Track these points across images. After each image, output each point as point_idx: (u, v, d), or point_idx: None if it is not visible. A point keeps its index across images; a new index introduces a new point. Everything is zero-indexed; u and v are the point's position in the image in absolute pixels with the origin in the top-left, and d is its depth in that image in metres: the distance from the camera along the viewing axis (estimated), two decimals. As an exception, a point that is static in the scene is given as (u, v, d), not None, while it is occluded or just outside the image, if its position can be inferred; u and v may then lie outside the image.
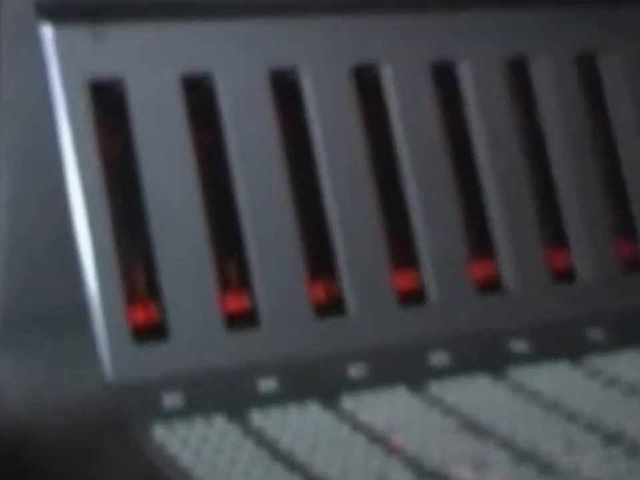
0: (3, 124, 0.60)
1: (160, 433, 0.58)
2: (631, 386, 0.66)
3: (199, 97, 0.64)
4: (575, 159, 0.73)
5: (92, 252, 0.60)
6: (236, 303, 0.64)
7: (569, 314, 0.71)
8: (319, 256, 0.67)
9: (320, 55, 0.67)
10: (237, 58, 0.65)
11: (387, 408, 0.63)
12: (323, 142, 0.66)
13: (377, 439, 0.58)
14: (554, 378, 0.68)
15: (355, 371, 0.65)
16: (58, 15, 0.61)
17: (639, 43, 0.76)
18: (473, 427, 0.60)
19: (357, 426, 0.60)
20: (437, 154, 0.68)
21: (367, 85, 0.68)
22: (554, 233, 0.73)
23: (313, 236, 0.66)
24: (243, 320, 0.64)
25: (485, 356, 0.68)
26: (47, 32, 0.61)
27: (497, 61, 0.72)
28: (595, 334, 0.71)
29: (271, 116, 0.65)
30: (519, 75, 0.73)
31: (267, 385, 0.62)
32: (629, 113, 0.76)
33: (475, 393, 0.65)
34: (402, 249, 0.68)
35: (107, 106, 0.62)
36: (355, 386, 0.64)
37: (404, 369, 0.65)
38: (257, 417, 0.60)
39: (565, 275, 0.73)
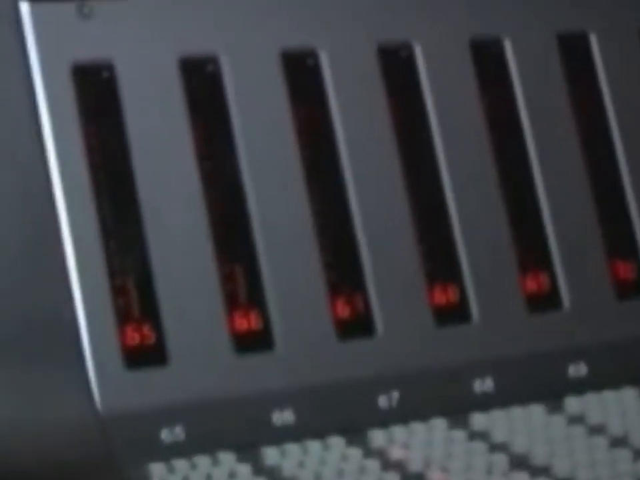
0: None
1: (158, 472, 0.54)
2: None
3: (201, 83, 0.61)
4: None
5: (78, 264, 0.57)
6: (246, 323, 0.61)
7: (634, 335, 0.68)
8: (342, 271, 0.63)
9: (341, 36, 0.64)
10: (246, 38, 0.62)
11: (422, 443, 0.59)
12: (346, 144, 0.62)
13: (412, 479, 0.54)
14: (619, 408, 0.64)
15: (385, 400, 0.61)
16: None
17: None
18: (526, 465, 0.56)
19: (388, 464, 0.56)
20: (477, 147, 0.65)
21: (399, 66, 0.65)
22: (620, 245, 0.70)
23: (334, 244, 0.63)
24: (254, 342, 0.60)
25: (539, 383, 0.64)
26: (25, 9, 0.58)
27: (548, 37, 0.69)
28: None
29: (285, 104, 0.62)
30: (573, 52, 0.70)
31: (283, 416, 0.58)
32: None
33: (526, 426, 0.61)
34: (441, 264, 0.65)
35: (93, 92, 0.59)
36: (386, 417, 0.60)
37: (442, 397, 0.62)
38: (271, 454, 0.57)
39: (630, 292, 0.69)
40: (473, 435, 0.60)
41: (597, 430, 0.61)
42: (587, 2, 0.71)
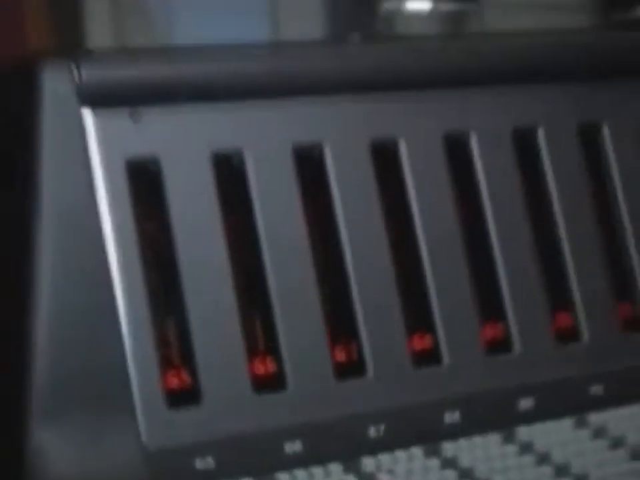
0: (45, 204, 0.61)
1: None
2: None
3: (229, 173, 0.66)
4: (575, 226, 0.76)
5: (129, 322, 0.62)
6: (263, 368, 0.66)
7: (572, 373, 0.74)
8: (340, 322, 0.69)
9: (341, 131, 0.69)
10: (264, 135, 0.67)
11: (404, 469, 0.65)
12: (344, 217, 0.68)
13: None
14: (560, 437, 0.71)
15: (374, 431, 0.67)
16: (98, 101, 0.62)
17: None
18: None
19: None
20: (450, 226, 0.71)
21: (386, 158, 0.70)
22: (556, 296, 0.75)
23: (335, 303, 0.68)
24: (270, 384, 0.66)
25: (495, 415, 0.70)
26: (88, 117, 0.62)
27: (506, 132, 0.74)
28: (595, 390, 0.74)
29: (295, 190, 0.67)
30: (526, 146, 0.75)
31: (293, 446, 0.64)
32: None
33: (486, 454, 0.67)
34: (417, 315, 0.70)
35: (144, 183, 0.64)
36: (374, 447, 0.66)
37: (420, 429, 0.68)
38: (284, 478, 0.62)
39: (569, 336, 0.75)
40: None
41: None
42: (470, 103, 0.74)
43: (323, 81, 0.68)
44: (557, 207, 0.75)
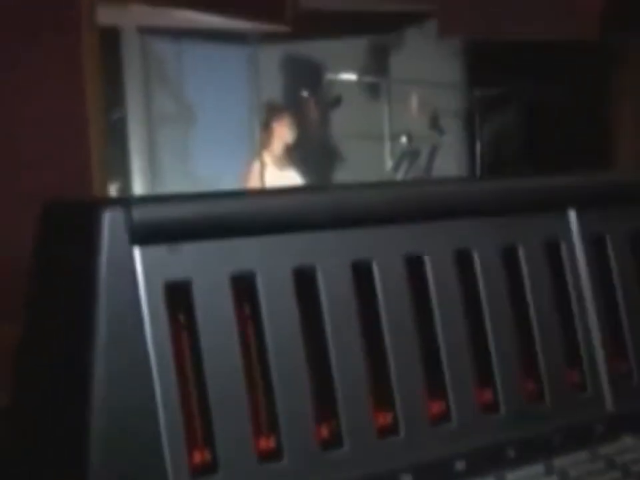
0: (100, 323, 0.73)
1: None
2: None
3: (245, 292, 0.79)
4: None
5: (166, 414, 0.74)
6: (265, 444, 0.79)
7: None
8: (323, 403, 0.82)
9: (330, 257, 0.83)
10: (271, 260, 0.80)
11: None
12: (331, 328, 0.82)
13: None
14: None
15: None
16: (144, 238, 0.74)
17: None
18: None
19: None
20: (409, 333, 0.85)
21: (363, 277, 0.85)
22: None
23: (320, 390, 0.82)
24: (271, 457, 0.79)
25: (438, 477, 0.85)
26: (136, 250, 0.74)
27: (449, 254, 0.89)
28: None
29: (294, 305, 0.81)
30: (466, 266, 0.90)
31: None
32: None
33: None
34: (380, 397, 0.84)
35: (179, 300, 0.76)
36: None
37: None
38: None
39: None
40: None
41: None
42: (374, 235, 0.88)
43: (311, 218, 0.82)
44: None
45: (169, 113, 5.14)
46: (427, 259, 0.88)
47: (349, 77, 4.82)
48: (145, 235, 0.75)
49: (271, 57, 5.19)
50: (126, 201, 0.76)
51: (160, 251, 0.76)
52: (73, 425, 0.75)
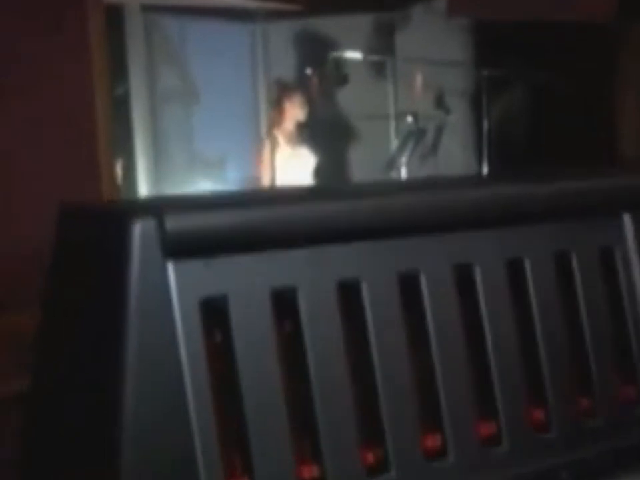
0: (131, 344, 0.66)
1: None
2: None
3: (285, 307, 0.72)
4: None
5: (202, 441, 0.68)
6: (309, 472, 0.72)
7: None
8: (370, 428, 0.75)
9: (375, 268, 0.75)
10: (313, 274, 0.73)
11: None
12: (375, 342, 0.74)
13: None
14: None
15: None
16: (178, 252, 0.67)
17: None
18: None
19: None
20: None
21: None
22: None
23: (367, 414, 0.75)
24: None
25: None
26: (170, 265, 0.67)
27: (500, 264, 0.82)
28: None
29: (338, 321, 0.73)
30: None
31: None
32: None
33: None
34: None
35: (214, 317, 0.69)
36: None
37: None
38: None
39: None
40: None
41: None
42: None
43: (354, 228, 0.75)
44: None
45: (173, 90, 5.04)
46: (477, 269, 0.81)
47: (355, 55, 4.73)
48: (180, 248, 0.68)
49: (276, 35, 5.09)
50: (157, 208, 0.69)
51: (195, 265, 0.69)
52: (103, 452, 0.68)
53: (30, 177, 2.10)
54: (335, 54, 4.64)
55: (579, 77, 4.29)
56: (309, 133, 4.46)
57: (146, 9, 4.67)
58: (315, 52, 4.79)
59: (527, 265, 0.83)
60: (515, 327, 0.83)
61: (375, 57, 4.86)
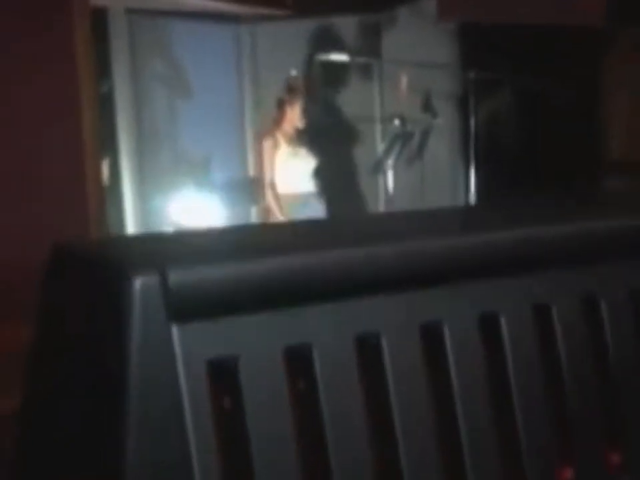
0: (132, 412, 0.59)
1: None
2: None
3: (299, 364, 0.65)
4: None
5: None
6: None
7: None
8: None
9: (395, 321, 0.69)
10: (330, 329, 0.66)
11: None
12: (395, 396, 0.68)
13: None
14: None
15: None
16: (184, 312, 0.60)
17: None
18: None
19: None
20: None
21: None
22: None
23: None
24: None
25: None
26: (174, 326, 0.60)
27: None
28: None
29: (355, 376, 0.67)
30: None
31: None
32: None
33: None
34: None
35: (223, 379, 0.62)
36: None
37: None
38: None
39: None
40: None
41: None
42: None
43: (374, 279, 0.68)
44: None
45: (158, 90, 4.95)
46: (502, 319, 0.74)
47: (341, 57, 4.64)
48: (185, 308, 0.61)
49: (262, 37, 5.00)
50: (159, 260, 0.61)
51: (202, 326, 0.62)
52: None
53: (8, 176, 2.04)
54: (321, 56, 4.57)
55: (568, 80, 4.23)
56: (299, 136, 4.38)
57: (131, 11, 4.58)
58: (300, 53, 4.71)
59: (554, 312, 0.77)
60: (542, 377, 0.77)
61: (361, 60, 4.78)
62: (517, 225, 0.77)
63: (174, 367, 0.60)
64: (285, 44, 4.67)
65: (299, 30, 4.67)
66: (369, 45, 4.93)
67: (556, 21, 3.25)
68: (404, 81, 4.69)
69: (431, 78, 4.72)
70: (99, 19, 4.13)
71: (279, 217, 3.76)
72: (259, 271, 0.64)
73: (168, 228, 4.16)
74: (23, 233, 2.06)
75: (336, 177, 4.59)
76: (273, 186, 3.89)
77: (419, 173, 4.47)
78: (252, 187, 4.39)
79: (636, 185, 3.73)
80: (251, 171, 4.66)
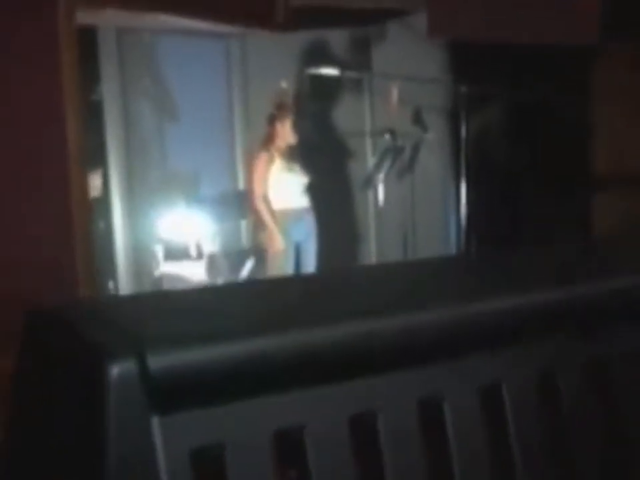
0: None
1: None
2: None
3: (289, 448, 0.60)
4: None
5: None
6: None
7: None
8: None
9: (391, 401, 0.64)
10: (324, 414, 0.61)
11: None
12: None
13: None
14: None
15: None
16: (165, 404, 0.55)
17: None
18: None
19: None
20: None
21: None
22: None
23: None
24: None
25: None
26: (155, 419, 0.55)
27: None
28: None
29: (348, 456, 0.62)
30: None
31: None
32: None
33: None
34: None
35: (207, 466, 0.57)
36: None
37: None
38: None
39: None
40: None
41: None
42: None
43: (370, 358, 0.63)
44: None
45: (147, 108, 4.90)
46: (505, 389, 0.69)
47: (332, 71, 4.60)
48: (167, 397, 0.56)
49: (252, 51, 4.95)
50: (139, 344, 0.56)
51: (185, 415, 0.57)
52: None
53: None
54: (311, 70, 4.52)
55: (557, 95, 4.20)
56: (292, 151, 4.33)
57: (120, 30, 4.54)
58: (290, 68, 4.66)
59: (560, 381, 0.72)
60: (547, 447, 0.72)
61: (352, 74, 4.74)
62: (513, 293, 0.72)
63: (154, 460, 0.55)
64: (275, 58, 4.62)
65: (289, 44, 4.62)
66: (360, 59, 4.90)
67: (547, 39, 3.21)
68: (394, 95, 4.64)
69: (421, 92, 4.67)
70: (89, 37, 4.09)
71: (274, 233, 3.70)
72: (247, 353, 0.59)
73: (157, 244, 4.10)
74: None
75: (328, 191, 4.54)
76: (267, 201, 3.83)
77: (409, 187, 4.42)
78: (242, 201, 4.34)
79: (624, 198, 3.69)
80: (241, 186, 4.61)
